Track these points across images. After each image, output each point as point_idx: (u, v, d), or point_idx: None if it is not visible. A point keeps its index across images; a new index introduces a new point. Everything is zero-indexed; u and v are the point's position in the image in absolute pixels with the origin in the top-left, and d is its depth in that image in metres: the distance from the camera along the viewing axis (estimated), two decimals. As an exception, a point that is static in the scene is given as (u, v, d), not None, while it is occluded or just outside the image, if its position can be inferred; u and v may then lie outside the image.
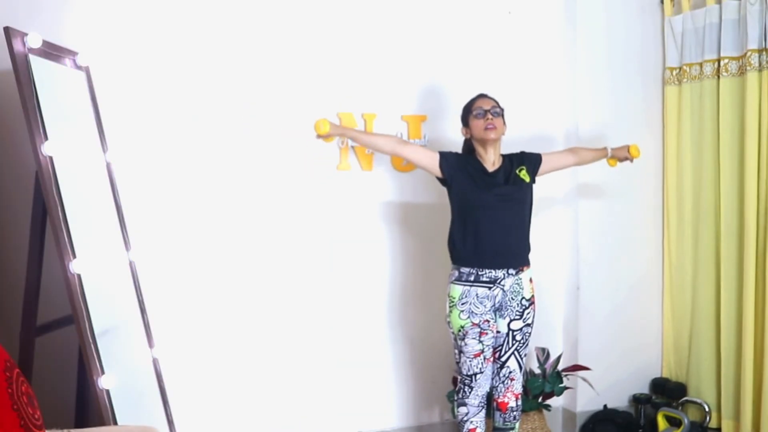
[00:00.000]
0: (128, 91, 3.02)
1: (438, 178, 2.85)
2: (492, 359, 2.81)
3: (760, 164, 3.25)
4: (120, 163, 2.92)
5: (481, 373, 2.76)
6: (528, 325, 2.84)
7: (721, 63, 3.40)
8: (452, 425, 3.54)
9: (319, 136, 2.73)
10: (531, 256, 2.87)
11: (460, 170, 2.78)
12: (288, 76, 3.26)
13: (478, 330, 2.73)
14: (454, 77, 3.50)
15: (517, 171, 2.82)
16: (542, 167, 2.91)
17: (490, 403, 2.90)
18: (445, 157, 2.80)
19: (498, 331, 2.80)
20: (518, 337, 2.82)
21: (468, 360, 2.75)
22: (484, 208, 2.73)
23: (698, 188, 3.61)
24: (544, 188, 3.16)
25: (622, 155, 3.13)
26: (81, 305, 2.32)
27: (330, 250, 3.37)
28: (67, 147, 2.47)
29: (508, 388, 2.85)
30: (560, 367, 3.43)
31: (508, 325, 2.80)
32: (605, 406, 3.63)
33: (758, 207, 3.26)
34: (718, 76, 3.44)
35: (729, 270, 3.44)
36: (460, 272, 2.76)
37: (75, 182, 2.51)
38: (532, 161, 2.89)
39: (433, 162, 2.80)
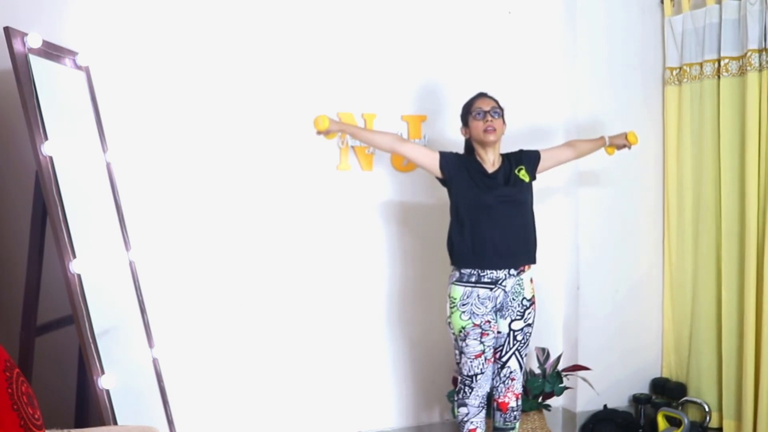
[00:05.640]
0: (128, 91, 3.02)
1: (438, 178, 2.84)
2: (492, 360, 2.82)
3: (760, 164, 3.25)
4: (120, 163, 2.92)
5: (482, 373, 2.76)
6: (529, 325, 2.83)
7: (721, 63, 3.40)
8: (452, 425, 3.54)
9: (318, 132, 2.73)
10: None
11: (459, 171, 2.77)
12: (288, 76, 3.26)
13: (479, 331, 2.73)
14: (454, 77, 3.50)
15: (516, 171, 2.81)
16: (541, 164, 2.90)
17: (490, 403, 2.90)
18: (445, 157, 2.79)
19: (499, 332, 2.80)
20: (519, 337, 2.82)
21: (469, 361, 2.75)
22: (484, 210, 2.72)
23: (699, 188, 3.61)
24: (543, 189, 3.16)
25: (620, 142, 3.13)
26: (81, 305, 2.31)
27: (330, 250, 3.37)
28: (67, 147, 2.47)
29: (508, 388, 2.85)
30: (560, 367, 3.43)
31: (509, 325, 2.80)
32: (605, 406, 3.63)
33: (759, 207, 3.26)
34: (719, 76, 3.44)
35: (730, 269, 3.43)
36: (461, 273, 2.76)
37: (75, 182, 2.51)
38: (530, 160, 2.88)
39: (433, 161, 2.79)
